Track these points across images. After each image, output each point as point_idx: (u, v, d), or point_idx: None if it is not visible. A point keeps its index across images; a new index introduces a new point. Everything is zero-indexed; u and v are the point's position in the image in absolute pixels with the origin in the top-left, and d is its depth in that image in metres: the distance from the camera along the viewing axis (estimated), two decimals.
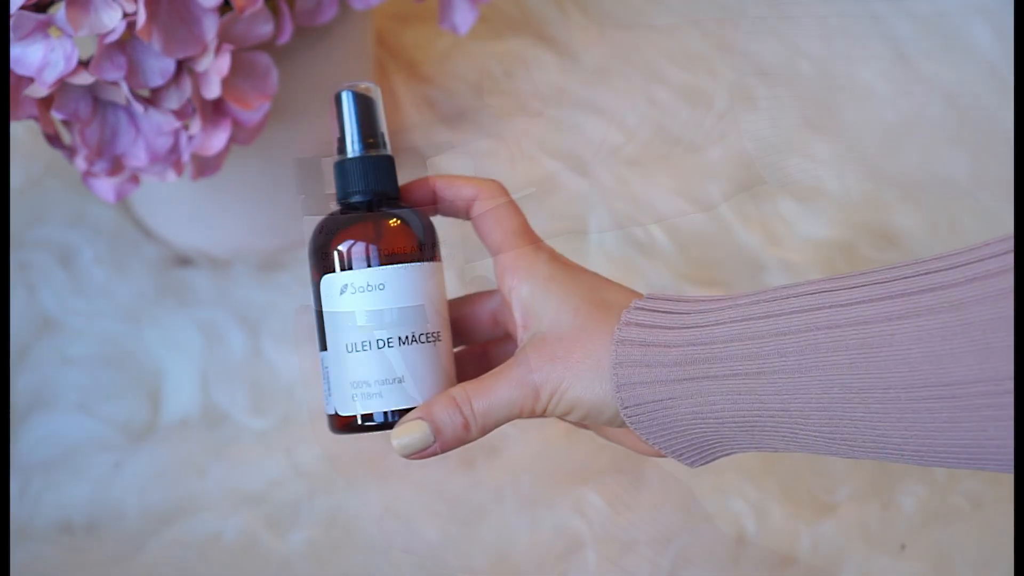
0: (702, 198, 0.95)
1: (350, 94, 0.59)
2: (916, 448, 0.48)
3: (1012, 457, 0.46)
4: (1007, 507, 0.78)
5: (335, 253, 0.58)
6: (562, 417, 0.56)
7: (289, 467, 0.82)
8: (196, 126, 0.72)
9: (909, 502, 0.79)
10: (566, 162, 0.96)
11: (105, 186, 0.77)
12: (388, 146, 0.60)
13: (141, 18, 0.64)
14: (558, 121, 0.99)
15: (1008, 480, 0.79)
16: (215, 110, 0.73)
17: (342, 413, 0.58)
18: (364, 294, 0.57)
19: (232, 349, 0.88)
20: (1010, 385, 0.44)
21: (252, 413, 0.86)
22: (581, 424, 0.60)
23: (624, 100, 1.00)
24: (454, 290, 0.65)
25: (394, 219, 0.58)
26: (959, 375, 0.45)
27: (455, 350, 0.62)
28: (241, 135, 0.75)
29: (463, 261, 0.90)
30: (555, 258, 0.58)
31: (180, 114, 0.71)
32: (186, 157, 0.74)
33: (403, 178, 0.61)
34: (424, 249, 0.58)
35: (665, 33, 1.05)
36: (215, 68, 0.70)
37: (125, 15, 0.65)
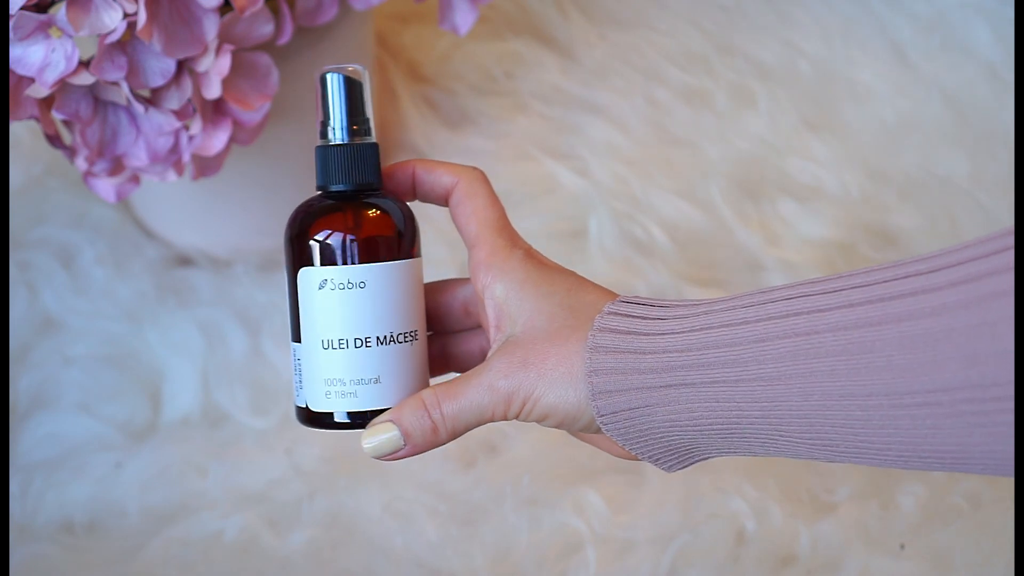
0: (702, 198, 0.95)
1: (337, 76, 0.56)
2: (899, 453, 0.47)
3: (998, 460, 0.45)
4: (1006, 507, 0.78)
5: (314, 244, 0.56)
6: (537, 422, 0.55)
7: (289, 467, 0.82)
8: (197, 126, 0.72)
9: (908, 502, 0.79)
10: (566, 162, 0.96)
11: (106, 186, 0.77)
12: (373, 132, 0.57)
13: (142, 18, 0.65)
14: (558, 121, 0.99)
15: (1008, 480, 0.79)
16: (216, 110, 0.73)
17: (313, 408, 0.57)
18: (344, 291, 0.55)
19: (232, 349, 0.88)
20: (997, 392, 0.43)
21: (252, 413, 0.86)
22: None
23: (624, 100, 1.00)
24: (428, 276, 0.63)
25: (375, 210, 0.56)
26: (943, 382, 0.44)
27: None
28: (241, 135, 0.75)
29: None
30: (531, 256, 0.56)
31: (181, 114, 0.71)
32: (187, 157, 0.74)
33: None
34: (405, 244, 0.57)
35: (665, 33, 1.05)
36: (216, 68, 0.70)
37: (126, 15, 0.65)
